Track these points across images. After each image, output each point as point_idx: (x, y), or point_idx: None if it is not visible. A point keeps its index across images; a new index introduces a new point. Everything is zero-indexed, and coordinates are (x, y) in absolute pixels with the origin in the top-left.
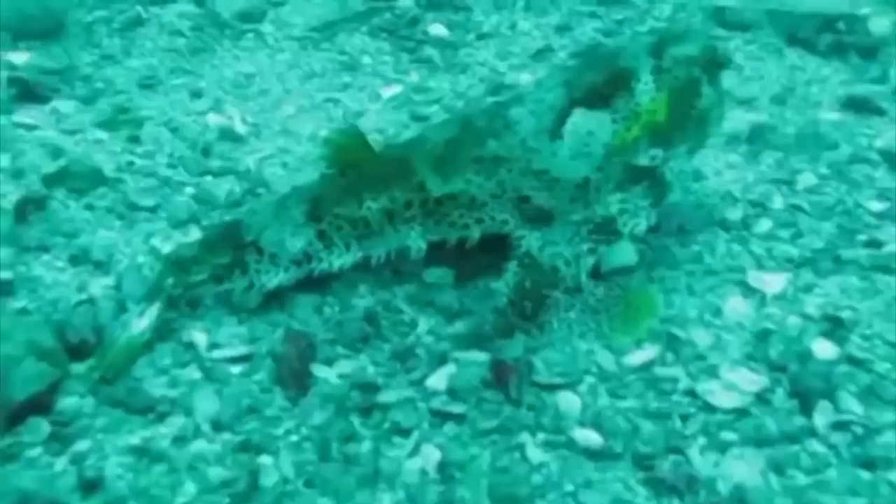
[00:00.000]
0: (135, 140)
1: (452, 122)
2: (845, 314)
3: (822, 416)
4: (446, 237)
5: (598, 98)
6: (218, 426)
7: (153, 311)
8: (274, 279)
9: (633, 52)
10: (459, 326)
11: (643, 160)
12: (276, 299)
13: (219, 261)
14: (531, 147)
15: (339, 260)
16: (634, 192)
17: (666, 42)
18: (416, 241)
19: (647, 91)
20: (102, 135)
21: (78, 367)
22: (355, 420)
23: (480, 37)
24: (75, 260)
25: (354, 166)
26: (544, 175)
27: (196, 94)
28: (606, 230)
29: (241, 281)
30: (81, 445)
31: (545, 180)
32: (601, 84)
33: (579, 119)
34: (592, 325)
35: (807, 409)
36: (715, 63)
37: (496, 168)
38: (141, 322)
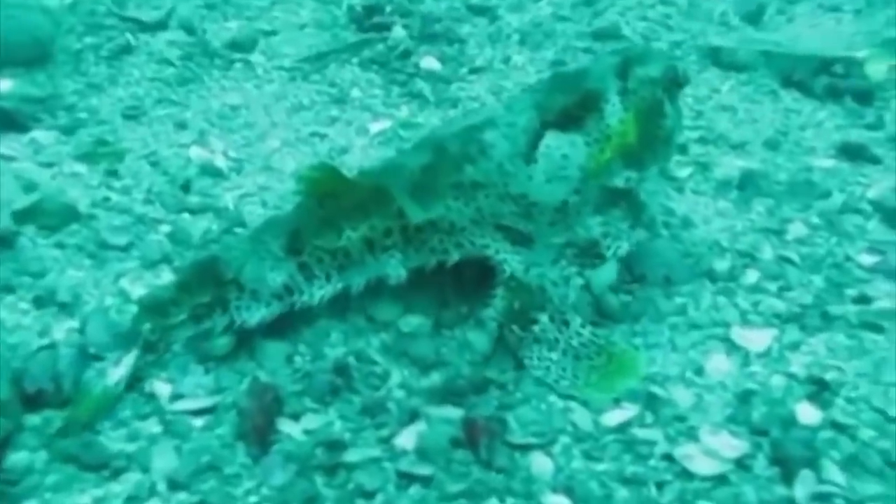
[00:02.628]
0: (113, 174)
1: (426, 147)
2: (831, 375)
3: (803, 486)
4: (426, 263)
5: (568, 120)
6: (174, 485)
7: (129, 359)
8: (256, 315)
9: (600, 73)
10: (434, 378)
11: (618, 182)
12: (245, 346)
13: (198, 300)
14: (507, 171)
15: (321, 291)
16: (613, 214)
17: (630, 63)
18: (395, 269)
19: (615, 112)
20: (80, 168)
21: (33, 419)
22: (318, 480)
23: (473, 71)
24: (40, 301)
25: (332, 196)
26: (522, 199)
27: (181, 126)
28: (590, 253)
29: (221, 319)
30: None
31: (523, 204)
32: (571, 106)
33: (553, 142)
34: (570, 373)
35: (788, 477)
36: (675, 83)
37: (474, 193)
38: (118, 371)
